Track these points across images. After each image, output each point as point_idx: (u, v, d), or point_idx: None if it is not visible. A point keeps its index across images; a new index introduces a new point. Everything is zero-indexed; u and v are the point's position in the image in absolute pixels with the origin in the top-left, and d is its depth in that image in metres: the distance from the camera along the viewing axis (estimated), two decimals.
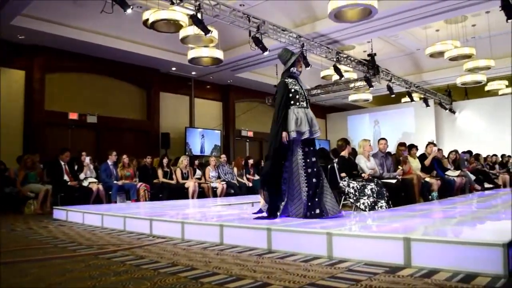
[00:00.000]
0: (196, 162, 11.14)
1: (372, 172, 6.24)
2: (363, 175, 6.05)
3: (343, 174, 5.90)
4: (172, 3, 7.64)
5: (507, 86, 16.07)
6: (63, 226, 5.66)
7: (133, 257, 3.19)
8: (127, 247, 3.64)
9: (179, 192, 9.33)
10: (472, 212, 5.02)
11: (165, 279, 2.45)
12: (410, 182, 6.91)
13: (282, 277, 2.44)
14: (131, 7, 7.35)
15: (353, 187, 5.61)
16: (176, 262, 2.95)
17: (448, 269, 2.49)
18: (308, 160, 4.42)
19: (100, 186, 8.39)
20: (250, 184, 10.78)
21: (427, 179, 7.70)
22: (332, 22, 8.95)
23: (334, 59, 11.65)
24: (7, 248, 3.71)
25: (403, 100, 17.40)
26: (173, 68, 13.37)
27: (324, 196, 4.28)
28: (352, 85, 14.62)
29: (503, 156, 13.37)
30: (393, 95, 14.57)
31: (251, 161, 11.56)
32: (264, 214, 4.43)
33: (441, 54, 12.17)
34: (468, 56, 11.93)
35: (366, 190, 5.55)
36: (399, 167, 7.18)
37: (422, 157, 8.30)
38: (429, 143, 8.52)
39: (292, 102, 4.49)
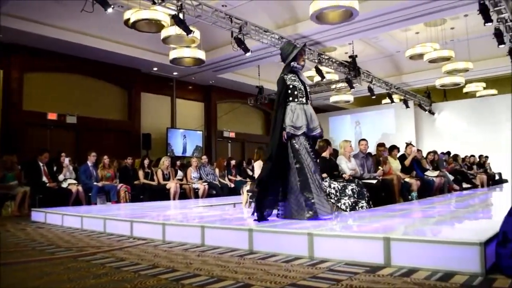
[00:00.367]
0: (178, 163, 11.07)
1: (353, 172, 6.30)
2: (344, 175, 6.10)
3: (324, 175, 5.93)
4: (154, 3, 7.58)
5: (484, 88, 16.45)
6: (41, 228, 5.57)
7: (113, 259, 3.15)
8: (107, 249, 3.59)
9: (161, 193, 9.27)
10: (450, 212, 5.10)
11: (145, 281, 2.42)
12: (390, 183, 7.00)
13: (263, 277, 2.45)
14: (112, 6, 7.28)
15: (334, 188, 5.65)
16: (157, 264, 2.92)
17: (427, 268, 2.52)
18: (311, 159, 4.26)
19: (80, 188, 8.28)
20: (232, 185, 10.76)
21: (407, 179, 7.80)
22: (314, 24, 9.01)
23: (316, 61, 11.74)
24: None
25: (383, 101, 17.62)
26: (155, 68, 13.27)
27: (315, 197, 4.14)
28: (333, 86, 14.76)
29: (480, 156, 13.65)
30: (374, 97, 14.76)
31: (233, 162, 11.57)
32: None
33: (420, 56, 12.37)
34: (447, 59, 12.16)
35: (347, 190, 5.59)
36: (379, 167, 7.26)
37: (402, 158, 8.41)
38: (408, 144, 8.62)
39: (290, 98, 4.33)
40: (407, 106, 16.84)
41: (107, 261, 3.08)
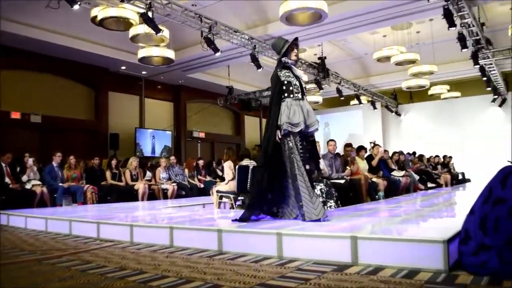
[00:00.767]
0: (149, 164, 10.92)
1: (321, 173, 6.37)
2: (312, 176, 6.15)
3: None
4: (122, 1, 7.47)
5: (448, 91, 16.96)
6: (4, 231, 5.41)
7: (79, 262, 3.08)
8: (72, 252, 3.52)
9: (129, 194, 9.13)
10: (416, 211, 5.23)
11: (112, 283, 2.38)
12: (357, 182, 7.12)
13: (232, 278, 2.45)
14: (79, 3, 7.13)
15: None
16: (124, 266, 2.88)
17: (393, 265, 2.58)
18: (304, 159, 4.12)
19: (45, 189, 8.06)
20: (202, 186, 10.70)
21: (374, 179, 7.96)
22: (283, 25, 9.07)
23: None
24: None
25: (351, 102, 17.90)
26: (123, 67, 13.04)
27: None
28: None
29: (444, 157, 14.04)
30: (342, 98, 14.99)
31: (202, 162, 11.50)
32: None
33: (387, 59, 12.66)
34: (413, 62, 12.49)
35: (315, 190, 5.65)
36: (347, 167, 7.38)
37: (369, 158, 8.57)
38: (375, 145, 8.78)
39: (285, 94, 4.15)
40: (375, 108, 17.23)
41: (72, 264, 3.01)
